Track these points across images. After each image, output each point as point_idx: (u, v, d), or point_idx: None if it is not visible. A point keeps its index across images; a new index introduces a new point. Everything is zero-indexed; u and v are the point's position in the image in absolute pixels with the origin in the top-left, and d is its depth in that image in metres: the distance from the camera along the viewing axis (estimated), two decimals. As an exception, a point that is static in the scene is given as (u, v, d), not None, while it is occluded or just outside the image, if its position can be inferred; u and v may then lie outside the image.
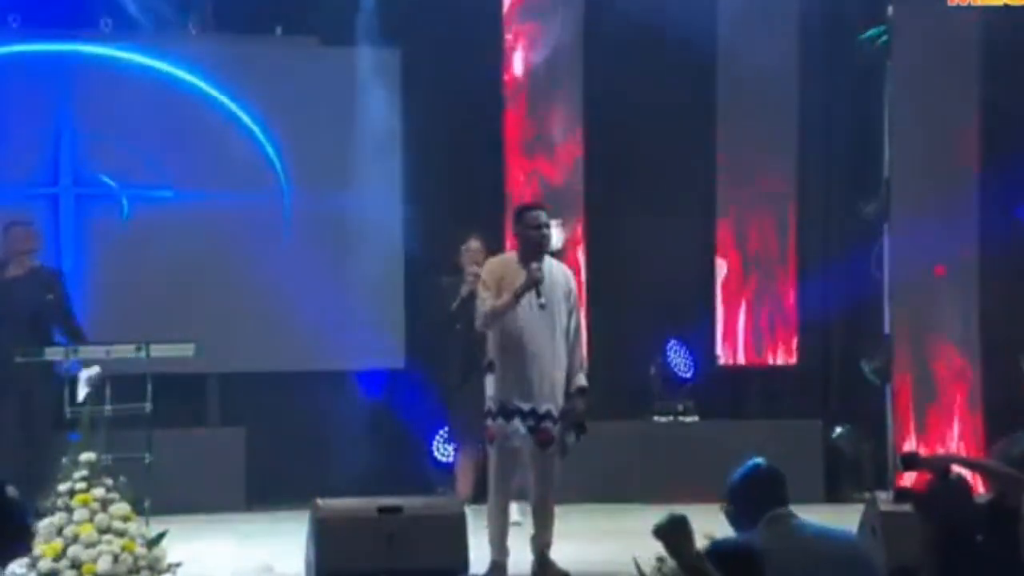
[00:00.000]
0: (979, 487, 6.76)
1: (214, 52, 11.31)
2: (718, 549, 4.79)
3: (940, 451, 10.81)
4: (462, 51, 11.53)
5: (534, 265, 8.29)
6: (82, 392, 8.64)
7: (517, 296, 8.23)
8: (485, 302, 8.38)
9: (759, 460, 5.51)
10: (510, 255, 8.64)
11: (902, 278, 11.46)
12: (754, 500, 5.35)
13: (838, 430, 11.68)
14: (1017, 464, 6.25)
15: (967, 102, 11.35)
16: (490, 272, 8.50)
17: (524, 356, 8.29)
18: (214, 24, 11.48)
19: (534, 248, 8.38)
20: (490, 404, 8.37)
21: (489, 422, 8.37)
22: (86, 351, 9.06)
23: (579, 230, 11.64)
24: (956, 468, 6.35)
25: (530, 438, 8.27)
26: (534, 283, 8.24)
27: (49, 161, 11.13)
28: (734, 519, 5.40)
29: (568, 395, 8.35)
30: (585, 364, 8.56)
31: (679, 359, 11.79)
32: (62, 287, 10.10)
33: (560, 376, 8.38)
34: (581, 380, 8.42)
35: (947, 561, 5.63)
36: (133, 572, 7.72)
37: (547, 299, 8.30)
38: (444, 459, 11.23)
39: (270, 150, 11.37)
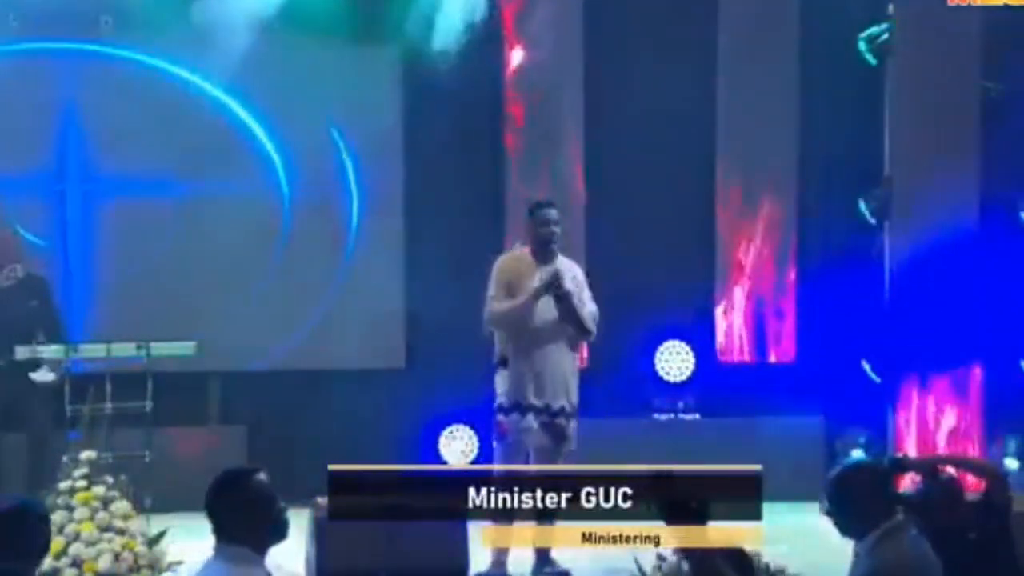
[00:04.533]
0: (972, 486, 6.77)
1: (214, 50, 11.32)
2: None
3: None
4: (462, 51, 11.53)
5: (547, 268, 8.42)
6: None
7: (535, 297, 8.38)
8: (492, 301, 8.46)
9: (858, 457, 5.44)
10: (523, 252, 8.74)
11: (902, 277, 11.47)
12: (859, 505, 5.24)
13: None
14: None
15: (967, 101, 11.36)
16: (500, 271, 8.61)
17: (537, 353, 8.39)
18: (214, 23, 11.48)
19: (543, 244, 8.59)
20: (502, 400, 8.46)
21: (501, 417, 8.47)
22: (86, 351, 9.07)
23: (580, 227, 11.67)
24: (945, 468, 6.38)
25: (543, 434, 8.34)
26: (548, 287, 8.41)
27: (56, 158, 11.14)
28: (839, 525, 5.29)
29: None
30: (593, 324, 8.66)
31: (676, 359, 11.77)
32: (48, 294, 10.02)
33: (572, 373, 8.49)
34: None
35: (942, 562, 5.64)
36: (134, 570, 7.75)
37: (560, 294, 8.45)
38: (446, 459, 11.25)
39: (271, 150, 11.37)
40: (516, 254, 8.81)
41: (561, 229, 8.77)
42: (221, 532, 4.72)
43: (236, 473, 4.80)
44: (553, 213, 8.68)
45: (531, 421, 8.39)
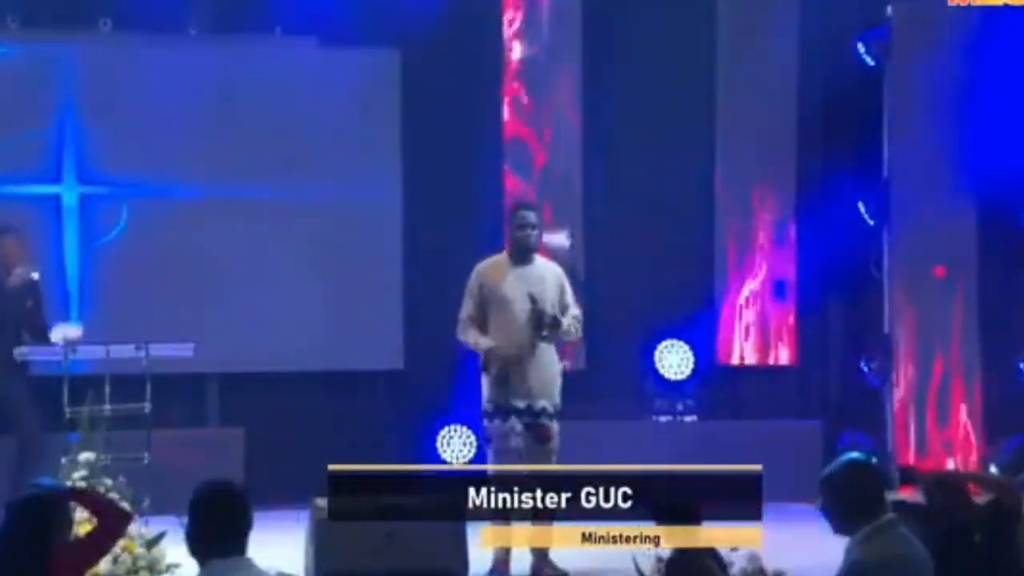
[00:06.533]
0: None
1: (214, 52, 11.31)
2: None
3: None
4: (462, 51, 11.53)
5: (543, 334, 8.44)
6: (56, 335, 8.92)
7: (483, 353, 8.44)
8: (462, 312, 8.55)
9: (854, 455, 5.47)
10: (500, 256, 8.70)
11: (902, 278, 11.47)
12: (851, 501, 5.27)
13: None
14: (1011, 470, 6.28)
15: (967, 102, 11.36)
16: (475, 275, 8.59)
17: (518, 355, 8.36)
18: (214, 24, 11.48)
19: (520, 247, 8.54)
20: (486, 405, 8.44)
21: (486, 423, 8.46)
22: (85, 351, 9.06)
23: (578, 228, 11.66)
24: (952, 479, 6.37)
25: (527, 435, 8.34)
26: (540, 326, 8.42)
27: (52, 159, 11.13)
28: (832, 521, 5.33)
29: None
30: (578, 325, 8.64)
31: (675, 359, 11.76)
32: (41, 296, 10.02)
33: (554, 373, 8.48)
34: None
35: (947, 562, 5.64)
36: (132, 572, 7.73)
37: (539, 299, 8.41)
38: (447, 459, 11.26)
39: (270, 150, 11.35)
40: (494, 258, 8.77)
41: (539, 231, 8.68)
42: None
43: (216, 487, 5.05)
44: (531, 216, 8.59)
45: (514, 424, 8.38)
